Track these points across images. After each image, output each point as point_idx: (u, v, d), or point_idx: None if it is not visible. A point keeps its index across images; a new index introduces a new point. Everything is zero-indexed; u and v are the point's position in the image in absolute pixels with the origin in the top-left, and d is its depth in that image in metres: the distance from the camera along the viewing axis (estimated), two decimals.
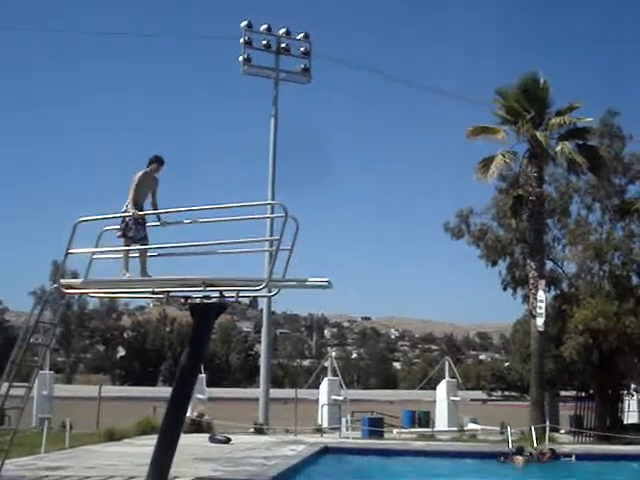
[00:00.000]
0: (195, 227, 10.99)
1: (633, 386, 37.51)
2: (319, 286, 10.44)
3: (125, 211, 11.05)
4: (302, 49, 33.63)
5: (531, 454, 19.85)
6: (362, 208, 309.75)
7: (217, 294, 10.76)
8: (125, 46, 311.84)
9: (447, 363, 34.70)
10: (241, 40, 33.18)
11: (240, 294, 10.76)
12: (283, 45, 33.44)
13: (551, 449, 20.56)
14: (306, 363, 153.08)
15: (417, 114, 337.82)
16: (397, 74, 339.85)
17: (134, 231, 11.04)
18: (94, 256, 11.28)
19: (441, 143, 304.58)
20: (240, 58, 33.07)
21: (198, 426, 25.83)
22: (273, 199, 29.51)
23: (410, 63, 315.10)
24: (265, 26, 33.65)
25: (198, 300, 11.05)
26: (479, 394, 57.26)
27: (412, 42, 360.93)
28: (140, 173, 11.38)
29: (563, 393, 42.36)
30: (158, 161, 11.70)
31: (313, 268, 15.60)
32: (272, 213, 13.18)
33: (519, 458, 19.10)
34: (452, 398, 32.97)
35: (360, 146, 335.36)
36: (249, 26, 33.40)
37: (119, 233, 11.16)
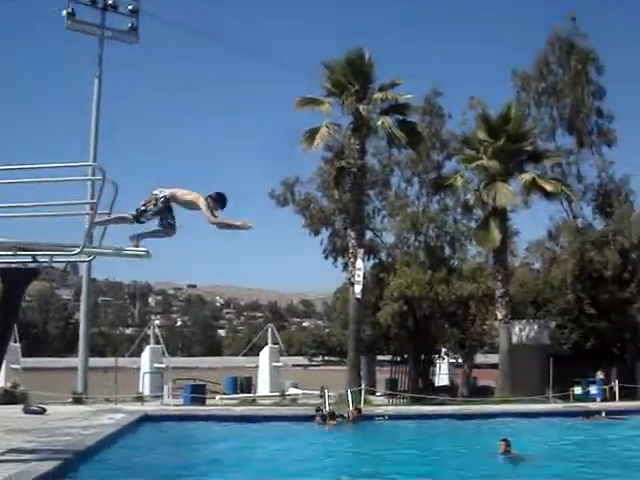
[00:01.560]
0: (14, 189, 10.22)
1: (444, 350, 39.83)
2: (138, 255, 10.20)
3: None
4: (130, 7, 32.17)
5: (343, 416, 20.64)
6: (188, 173, 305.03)
7: (30, 259, 10.29)
8: None
9: (270, 330, 35.18)
10: None
11: (54, 259, 10.34)
12: (110, 1, 31.80)
13: (358, 409, 21.44)
14: (129, 331, 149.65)
15: (247, 81, 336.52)
16: (238, 41, 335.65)
17: None
18: None
19: (275, 113, 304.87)
20: (64, 12, 31.10)
21: (12, 397, 24.75)
22: (95, 162, 28.27)
23: (246, 28, 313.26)
24: None
25: (6, 264, 10.50)
26: (301, 360, 58.65)
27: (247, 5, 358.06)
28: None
29: (380, 358, 44.19)
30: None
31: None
32: (93, 176, 12.64)
33: (330, 422, 19.77)
34: (274, 364, 33.54)
35: (191, 116, 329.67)
36: None
37: None
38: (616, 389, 27.30)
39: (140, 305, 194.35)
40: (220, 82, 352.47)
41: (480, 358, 44.18)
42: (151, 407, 24.47)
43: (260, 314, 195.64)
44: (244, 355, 47.65)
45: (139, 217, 9.71)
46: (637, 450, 16.03)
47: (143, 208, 9.67)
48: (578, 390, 29.86)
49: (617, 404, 25.52)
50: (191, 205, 9.67)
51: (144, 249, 10.05)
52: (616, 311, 33.59)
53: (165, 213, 9.79)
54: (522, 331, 37.54)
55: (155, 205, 9.67)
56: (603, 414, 21.86)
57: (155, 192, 9.75)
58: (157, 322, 43.07)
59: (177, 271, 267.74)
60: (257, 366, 34.34)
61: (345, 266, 33.58)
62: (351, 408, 21.92)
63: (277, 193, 35.52)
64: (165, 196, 9.69)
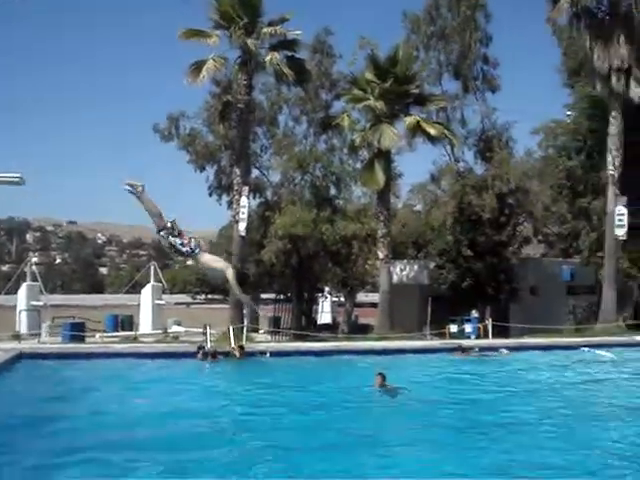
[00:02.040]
0: None
1: (327, 289, 40.47)
2: (10, 182, 9.65)
3: None
4: None
5: (225, 352, 20.71)
6: (73, 106, 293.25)
7: None
8: None
9: (153, 268, 34.58)
10: None
11: None
12: None
13: (240, 346, 21.55)
14: (5, 268, 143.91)
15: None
16: None
17: None
18: None
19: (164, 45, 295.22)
20: None
21: None
22: None
23: None
24: None
25: None
26: (184, 298, 58.17)
27: None
28: None
29: (264, 296, 44.40)
30: None
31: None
32: None
33: (209, 359, 19.79)
34: (157, 302, 33.05)
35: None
36: None
37: None
38: (489, 327, 28.45)
39: (17, 242, 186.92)
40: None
41: (362, 297, 45.18)
42: (27, 345, 23.69)
43: (144, 252, 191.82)
44: (126, 293, 46.76)
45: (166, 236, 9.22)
46: (504, 382, 16.87)
47: (179, 242, 9.19)
48: (454, 328, 31.03)
49: (490, 341, 26.64)
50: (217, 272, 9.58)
51: (17, 174, 9.52)
52: (492, 253, 34.94)
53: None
54: (402, 271, 38.56)
55: (183, 250, 9.19)
56: (476, 350, 22.81)
57: (193, 244, 9.22)
58: (35, 259, 41.60)
59: (57, 207, 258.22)
60: (139, 304, 33.75)
61: (230, 204, 33.28)
62: (233, 345, 21.97)
63: (161, 127, 34.59)
64: (196, 254, 9.23)
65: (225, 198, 35.34)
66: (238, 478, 8.64)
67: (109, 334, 30.19)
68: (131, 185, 9.47)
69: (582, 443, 10.31)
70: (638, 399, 14.72)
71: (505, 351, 22.65)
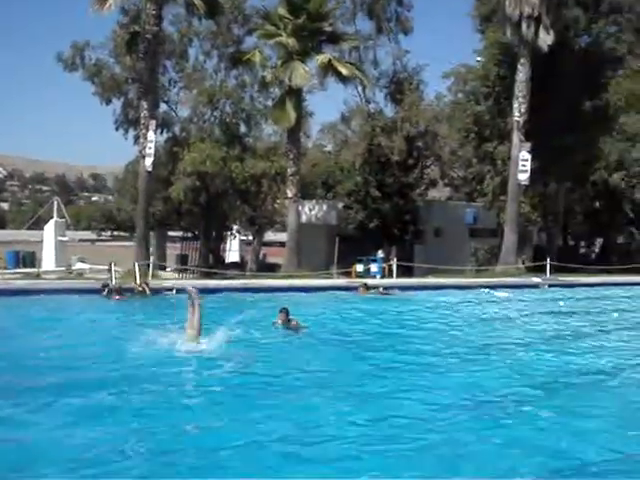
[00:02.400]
0: None
1: (235, 227, 40.30)
2: None
3: None
4: None
5: (130, 290, 20.47)
6: None
7: None
8: None
9: (56, 203, 33.65)
10: None
11: None
12: None
13: (145, 283, 21.32)
14: None
15: None
16: None
17: None
18: None
19: None
20: None
21: None
22: None
23: None
24: None
25: None
26: (89, 235, 56.94)
27: None
28: None
29: (171, 234, 43.91)
30: None
31: None
32: None
33: (114, 296, 19.47)
34: (60, 238, 32.24)
35: None
36: None
37: None
38: (394, 267, 29.03)
39: None
40: None
41: (270, 236, 45.29)
42: None
43: (47, 187, 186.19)
44: (28, 229, 45.40)
45: None
46: (404, 319, 17.37)
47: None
48: (360, 268, 31.55)
49: (394, 280, 27.21)
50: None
51: None
52: (399, 195, 35.49)
53: None
54: (311, 210, 38.74)
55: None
56: (380, 289, 23.28)
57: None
58: None
59: None
60: (42, 241, 32.84)
61: (137, 139, 32.36)
62: (138, 282, 21.69)
63: (65, 56, 33.15)
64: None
65: (132, 133, 34.41)
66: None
67: (10, 270, 29.35)
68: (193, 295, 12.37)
69: (472, 379, 10.75)
70: (528, 334, 15.43)
71: (397, 291, 23.22)
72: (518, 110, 31.42)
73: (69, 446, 7.17)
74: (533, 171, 31.15)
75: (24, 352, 11.98)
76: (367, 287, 22.64)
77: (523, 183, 31.32)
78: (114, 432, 7.67)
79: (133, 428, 7.99)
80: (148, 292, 20.33)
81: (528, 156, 30.69)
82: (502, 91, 34.49)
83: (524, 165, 30.80)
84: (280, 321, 14.22)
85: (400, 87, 37.88)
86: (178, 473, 6.64)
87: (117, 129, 34.77)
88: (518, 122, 31.41)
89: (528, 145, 30.83)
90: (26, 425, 7.91)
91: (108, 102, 33.92)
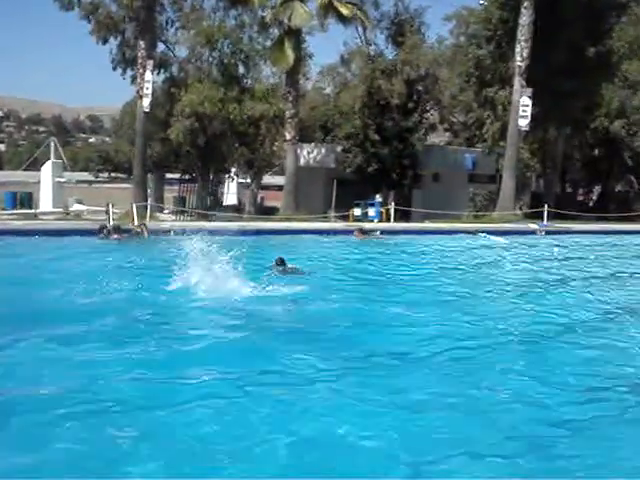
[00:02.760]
0: None
1: (233, 170, 40.13)
2: None
3: None
4: None
5: (128, 230, 20.54)
6: None
7: None
8: None
9: (53, 144, 33.47)
10: None
11: None
12: None
13: (143, 224, 21.40)
14: None
15: None
16: None
17: None
18: None
19: None
20: None
21: None
22: None
23: None
24: None
25: None
26: (87, 176, 56.73)
27: None
28: None
29: (169, 176, 43.76)
30: None
31: None
32: None
33: (113, 236, 19.54)
34: (57, 179, 32.16)
35: None
36: None
37: None
38: (392, 211, 29.07)
39: None
40: None
41: (268, 180, 45.12)
42: None
43: (43, 128, 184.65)
44: (25, 170, 45.25)
45: None
46: (400, 262, 17.47)
47: None
48: (358, 211, 31.59)
49: (392, 225, 27.30)
50: None
51: None
52: (398, 139, 35.25)
53: None
54: (310, 154, 38.57)
55: None
56: (378, 233, 23.37)
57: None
58: None
59: None
60: (39, 182, 32.75)
61: (134, 78, 32.08)
62: (136, 223, 21.75)
63: None
64: None
65: (129, 72, 33.98)
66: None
67: (7, 211, 29.39)
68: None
69: (472, 318, 10.88)
70: (523, 279, 15.56)
71: (378, 234, 23.34)
72: (520, 55, 31.07)
73: None
74: (533, 117, 30.97)
75: (31, 290, 12.02)
76: (362, 231, 22.72)
77: (523, 129, 31.17)
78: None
79: None
80: (146, 234, 20.37)
81: (529, 101, 30.48)
82: (504, 35, 34.01)
83: (524, 111, 30.60)
84: (276, 272, 14.13)
85: (401, 29, 37.29)
86: None
87: (114, 69, 34.29)
88: (520, 67, 31.09)
89: (529, 90, 30.57)
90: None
91: (105, 41, 33.34)
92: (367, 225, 26.24)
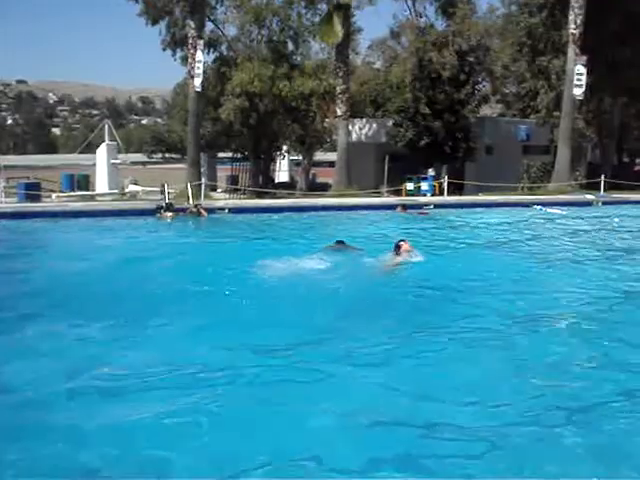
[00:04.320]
0: None
1: (285, 147, 40.27)
2: None
3: None
4: None
5: (184, 209, 20.86)
6: None
7: None
8: None
9: (107, 126, 33.95)
10: None
11: None
12: None
13: (198, 203, 21.67)
14: None
15: None
16: None
17: None
18: None
19: None
20: None
21: None
22: None
23: None
24: None
25: None
26: (140, 157, 57.43)
27: None
28: None
29: (222, 155, 44.11)
30: None
31: None
32: None
33: (167, 214, 19.86)
34: (112, 161, 32.66)
35: None
36: None
37: None
38: (445, 185, 28.84)
39: None
40: None
41: (320, 156, 45.16)
42: None
43: (96, 111, 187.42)
44: (81, 153, 46.01)
45: None
46: (455, 235, 17.39)
47: None
48: (410, 186, 31.41)
49: (445, 198, 27.08)
50: None
51: None
52: (450, 112, 34.81)
53: None
54: (361, 129, 38.43)
55: None
56: (423, 208, 23.22)
57: None
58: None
59: (4, 66, 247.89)
60: (95, 164, 33.32)
61: (185, 59, 32.22)
62: (192, 202, 22.03)
63: None
64: None
65: (179, 53, 34.22)
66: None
67: (65, 194, 29.98)
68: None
69: (544, 287, 10.86)
70: (584, 250, 15.34)
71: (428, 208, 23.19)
72: (574, 22, 30.32)
73: None
74: (588, 86, 30.27)
75: (96, 267, 12.28)
76: (405, 207, 22.61)
77: (578, 98, 30.50)
78: None
79: None
80: (205, 213, 20.57)
81: (583, 70, 29.78)
82: (557, 2, 33.21)
83: (579, 79, 29.92)
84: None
85: (451, 0, 36.68)
86: None
87: (165, 49, 34.56)
88: (574, 35, 30.35)
89: (584, 59, 29.86)
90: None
91: (154, 22, 33.62)
92: (422, 199, 26.13)
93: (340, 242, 13.90)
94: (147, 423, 5.73)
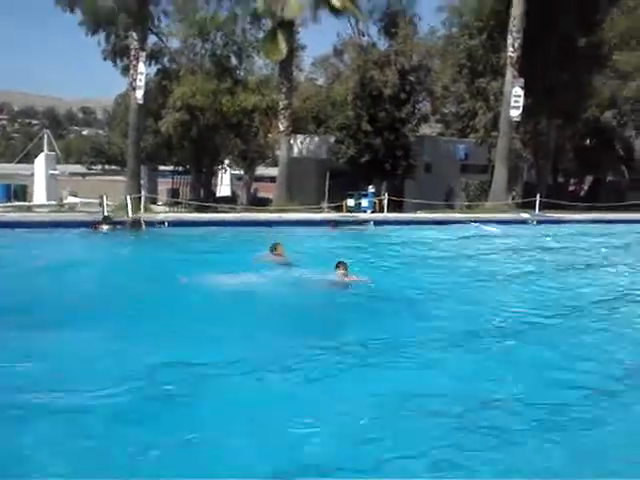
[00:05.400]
0: None
1: (227, 162, 40.21)
2: None
3: None
4: None
5: (122, 222, 20.64)
6: None
7: None
8: None
9: (46, 136, 33.51)
10: None
11: None
12: None
13: (139, 217, 21.48)
14: None
15: None
16: None
17: None
18: None
19: None
20: None
21: None
22: None
23: None
24: None
25: None
26: (80, 168, 56.69)
27: None
28: None
29: (162, 168, 43.80)
30: None
31: None
32: None
33: (103, 227, 19.65)
34: (51, 172, 32.19)
35: None
36: None
37: None
38: (385, 202, 29.17)
39: None
40: None
41: (262, 171, 45.21)
42: None
43: (36, 121, 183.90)
44: (19, 163, 45.22)
45: None
46: (387, 252, 17.66)
47: None
48: (351, 202, 31.69)
49: (385, 215, 27.40)
50: None
51: None
52: (391, 129, 35.32)
53: None
54: (303, 145, 38.66)
55: None
56: (371, 224, 23.48)
57: None
58: None
59: None
60: (32, 174, 32.78)
61: (126, 69, 31.93)
62: (131, 215, 21.83)
63: None
64: None
65: (120, 64, 33.92)
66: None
67: (1, 204, 29.41)
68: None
69: (465, 307, 11.07)
70: (514, 269, 15.75)
71: (372, 225, 23.47)
72: (512, 45, 31.11)
73: None
74: (525, 108, 31.03)
75: (30, 281, 12.07)
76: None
77: (515, 119, 31.24)
78: None
79: None
80: (144, 227, 20.40)
81: (521, 92, 30.54)
82: (496, 26, 34.07)
83: (516, 101, 30.67)
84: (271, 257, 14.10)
85: (394, 20, 37.29)
86: None
87: (105, 59, 34.21)
88: (512, 57, 31.15)
89: (521, 81, 30.64)
90: None
91: (94, 32, 33.22)
92: (362, 215, 26.40)
93: (276, 245, 14.01)
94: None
